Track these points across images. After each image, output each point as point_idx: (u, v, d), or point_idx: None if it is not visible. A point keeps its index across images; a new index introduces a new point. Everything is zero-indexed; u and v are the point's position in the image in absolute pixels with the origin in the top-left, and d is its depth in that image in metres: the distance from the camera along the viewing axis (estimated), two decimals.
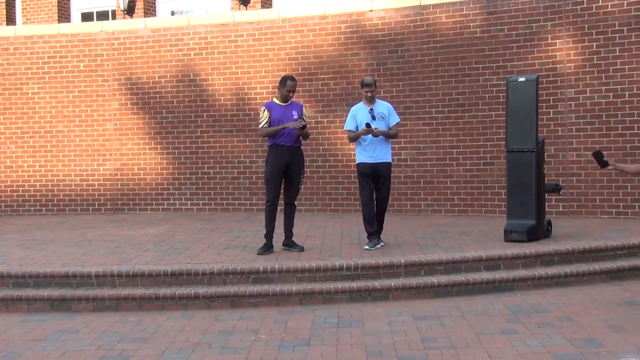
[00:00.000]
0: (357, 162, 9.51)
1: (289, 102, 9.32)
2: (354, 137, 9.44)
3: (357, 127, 9.40)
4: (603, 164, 7.67)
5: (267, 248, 9.22)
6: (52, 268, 8.68)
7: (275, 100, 9.41)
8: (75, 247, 10.24)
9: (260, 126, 9.38)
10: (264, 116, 9.24)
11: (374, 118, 9.35)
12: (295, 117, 9.25)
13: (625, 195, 11.62)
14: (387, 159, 9.43)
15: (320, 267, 8.39)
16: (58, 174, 14.78)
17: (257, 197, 13.67)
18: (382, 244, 9.40)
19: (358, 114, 9.46)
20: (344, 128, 9.70)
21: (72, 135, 14.72)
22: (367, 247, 9.32)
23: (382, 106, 9.52)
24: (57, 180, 14.78)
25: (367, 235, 9.44)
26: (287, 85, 9.24)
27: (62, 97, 14.72)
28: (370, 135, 9.26)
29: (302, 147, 9.47)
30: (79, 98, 14.68)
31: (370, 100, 9.46)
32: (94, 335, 7.11)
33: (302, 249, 9.33)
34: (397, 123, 9.61)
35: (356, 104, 9.75)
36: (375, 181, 9.40)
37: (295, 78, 9.58)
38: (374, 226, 9.39)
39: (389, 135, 9.46)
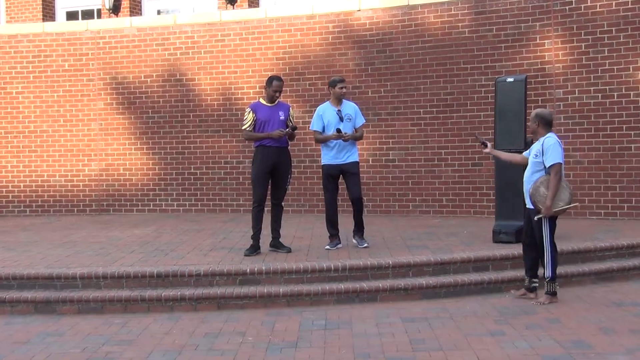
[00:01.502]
0: (323, 164, 9.53)
1: (276, 102, 9.31)
2: (323, 140, 9.44)
3: (323, 127, 9.41)
4: (484, 145, 8.31)
5: (254, 249, 9.21)
6: (36, 270, 8.64)
7: (261, 100, 9.40)
8: (59, 249, 10.20)
9: (243, 128, 9.38)
10: (249, 118, 9.23)
11: (341, 119, 9.36)
12: (282, 117, 9.24)
13: (614, 196, 11.67)
14: (355, 158, 9.47)
15: (307, 269, 8.38)
16: (42, 174, 14.71)
17: (244, 197, 13.64)
18: (366, 244, 9.42)
19: (325, 115, 9.45)
20: (310, 128, 9.64)
21: (56, 135, 14.65)
22: (327, 247, 9.46)
23: (349, 107, 9.52)
24: (42, 180, 14.71)
25: (329, 235, 9.57)
26: (273, 85, 9.23)
27: (46, 97, 14.65)
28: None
29: (289, 147, 9.47)
30: (63, 98, 14.61)
31: (340, 100, 9.45)
32: (78, 337, 7.08)
33: (289, 250, 9.33)
34: (363, 124, 9.65)
35: (322, 103, 9.77)
36: (345, 180, 9.46)
37: (282, 78, 9.58)
38: (337, 228, 9.53)
39: (356, 138, 9.54)
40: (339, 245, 9.52)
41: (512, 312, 7.45)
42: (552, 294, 7.78)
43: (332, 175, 9.47)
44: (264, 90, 9.52)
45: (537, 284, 7.99)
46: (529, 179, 7.83)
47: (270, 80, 9.32)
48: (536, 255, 7.91)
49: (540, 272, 7.98)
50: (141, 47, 14.40)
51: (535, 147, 7.85)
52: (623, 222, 11.36)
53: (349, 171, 9.42)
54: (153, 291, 8.18)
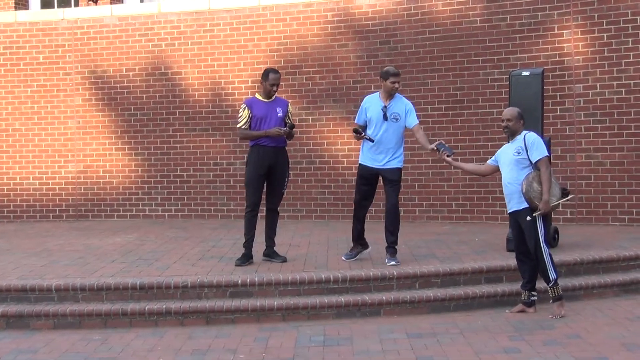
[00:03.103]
0: (359, 162, 9.19)
1: (273, 97, 9.31)
2: (357, 138, 9.16)
3: (366, 122, 9.01)
4: (448, 153, 8.47)
5: (247, 258, 9.21)
6: (8, 281, 8.64)
7: (257, 96, 9.39)
8: (33, 258, 10.20)
9: (238, 126, 9.35)
10: (244, 115, 9.22)
11: (385, 118, 8.90)
12: (280, 114, 9.23)
13: (639, 200, 11.68)
14: (395, 164, 9.02)
15: (304, 280, 8.39)
16: (15, 177, 14.71)
17: (235, 202, 13.65)
18: (393, 262, 8.89)
19: (370, 109, 9.01)
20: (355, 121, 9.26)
21: (30, 134, 14.65)
22: (343, 257, 9.36)
23: (400, 104, 9.01)
24: (14, 183, 14.71)
25: (352, 240, 9.42)
26: (269, 78, 9.23)
27: (19, 92, 14.66)
28: (378, 136, 8.89)
29: (286, 147, 9.47)
30: (38, 93, 14.62)
31: (391, 95, 8.98)
32: (54, 355, 7.08)
33: (284, 260, 9.33)
34: (417, 125, 9.06)
35: (372, 93, 9.34)
36: (384, 185, 9.11)
37: (279, 71, 9.57)
38: (360, 236, 9.30)
39: (427, 147, 8.99)
40: (365, 252, 9.32)
41: (527, 327, 7.46)
42: (560, 298, 7.84)
43: (366, 177, 9.09)
44: (259, 84, 9.52)
45: (537, 297, 8.03)
46: (515, 178, 7.92)
47: (267, 73, 9.32)
48: (534, 264, 7.93)
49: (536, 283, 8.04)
50: (122, 37, 14.41)
51: (513, 145, 8.01)
52: None
53: (387, 177, 9.03)
54: (136, 304, 8.18)
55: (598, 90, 11.95)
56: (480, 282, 8.62)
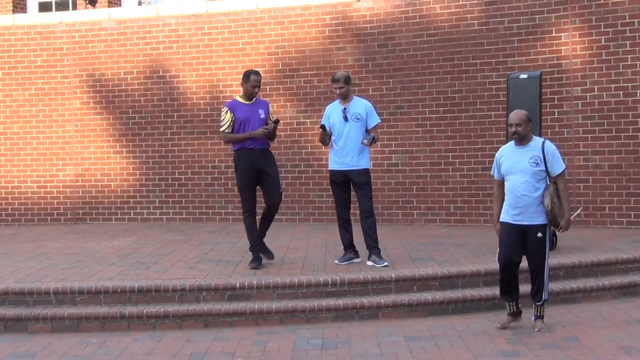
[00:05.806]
0: (328, 168, 9.43)
1: (254, 99, 9.32)
2: (321, 140, 9.42)
3: (330, 127, 9.26)
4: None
5: (260, 261, 9.23)
6: (6, 284, 8.64)
7: (238, 98, 9.40)
8: (31, 262, 10.19)
9: (221, 129, 9.34)
10: (226, 119, 9.21)
11: (346, 119, 9.15)
12: (262, 116, 9.25)
13: (637, 203, 11.68)
14: (362, 165, 9.21)
15: (302, 283, 8.39)
16: (13, 180, 14.69)
17: (233, 205, 13.63)
18: (385, 263, 9.01)
19: (332, 114, 9.33)
20: None
21: (28, 137, 14.64)
22: (337, 261, 9.37)
23: (359, 105, 9.28)
24: (12, 187, 14.69)
25: (343, 248, 9.47)
26: (250, 80, 9.23)
27: (17, 96, 14.65)
28: (342, 138, 9.14)
29: (270, 148, 9.46)
30: (36, 96, 14.61)
31: (344, 98, 9.26)
32: (52, 358, 7.09)
33: (272, 257, 9.35)
34: (377, 125, 9.34)
35: (332, 102, 9.63)
36: (354, 189, 9.30)
37: (260, 72, 9.56)
38: (349, 240, 9.37)
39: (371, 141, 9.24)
40: (355, 261, 9.35)
41: (526, 331, 7.46)
42: (542, 317, 7.55)
43: (336, 182, 9.32)
44: (240, 86, 9.50)
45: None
46: (531, 190, 7.37)
47: (248, 75, 9.32)
48: (517, 274, 7.59)
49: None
50: (120, 41, 14.40)
51: (527, 153, 7.51)
52: None
53: (356, 182, 9.21)
54: (134, 307, 8.18)
55: (596, 93, 11.95)
56: (479, 285, 8.63)
